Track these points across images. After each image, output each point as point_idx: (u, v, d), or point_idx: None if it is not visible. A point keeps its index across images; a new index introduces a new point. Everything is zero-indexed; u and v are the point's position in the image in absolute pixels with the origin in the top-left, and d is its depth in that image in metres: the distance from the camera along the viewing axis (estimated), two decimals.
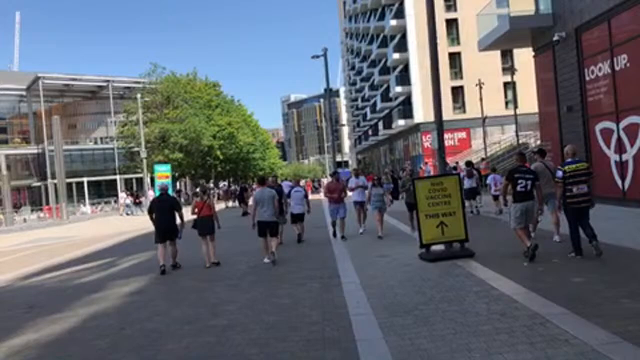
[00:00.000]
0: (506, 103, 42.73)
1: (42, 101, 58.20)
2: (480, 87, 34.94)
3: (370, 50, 58.20)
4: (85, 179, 60.00)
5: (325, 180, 36.80)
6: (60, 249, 16.04)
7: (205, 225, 9.87)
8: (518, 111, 42.21)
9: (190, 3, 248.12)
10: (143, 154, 30.62)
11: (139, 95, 34.50)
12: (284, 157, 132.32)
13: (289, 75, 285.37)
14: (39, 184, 60.94)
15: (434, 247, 8.93)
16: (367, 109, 63.96)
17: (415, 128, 43.60)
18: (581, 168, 7.66)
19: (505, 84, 42.35)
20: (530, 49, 18.76)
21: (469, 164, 16.50)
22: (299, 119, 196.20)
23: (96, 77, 63.13)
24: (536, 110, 39.54)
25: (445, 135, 42.97)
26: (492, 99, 39.70)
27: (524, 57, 40.95)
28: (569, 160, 7.77)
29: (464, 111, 42.79)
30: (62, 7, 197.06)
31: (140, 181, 45.34)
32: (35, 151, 62.72)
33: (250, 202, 14.62)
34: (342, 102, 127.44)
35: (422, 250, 8.90)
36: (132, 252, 13.41)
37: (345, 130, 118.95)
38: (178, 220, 9.95)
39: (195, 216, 10.10)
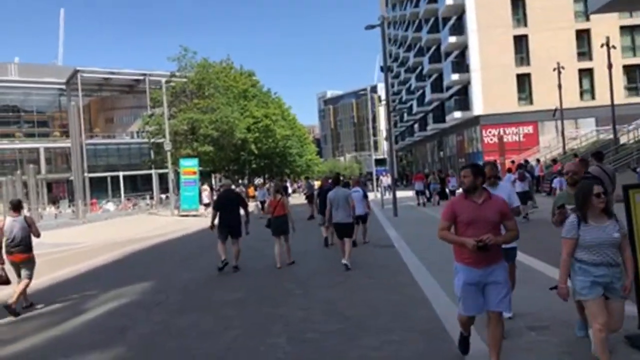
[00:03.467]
0: (581, 93, 37.14)
1: (81, 95, 57.64)
2: (559, 72, 29.63)
3: (418, 37, 53.26)
4: (120, 174, 58.43)
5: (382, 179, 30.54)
6: (47, 266, 12.21)
7: (280, 224, 9.54)
8: (595, 103, 36.73)
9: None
10: (167, 146, 26.94)
11: (163, 80, 30.92)
12: (319, 154, 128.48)
13: (325, 71, 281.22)
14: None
15: None
16: (414, 102, 58.96)
17: (474, 121, 38.49)
18: None
19: (581, 72, 36.79)
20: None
21: (521, 166, 15.78)
22: (335, 116, 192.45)
23: (133, 71, 62.26)
24: (619, 101, 33.99)
25: (509, 130, 37.94)
26: (565, 89, 34.18)
27: (603, 41, 35.50)
28: None
29: (531, 102, 37.36)
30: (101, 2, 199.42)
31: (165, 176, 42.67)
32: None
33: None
34: (383, 98, 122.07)
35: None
36: (124, 279, 9.48)
37: (384, 126, 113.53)
38: (242, 214, 9.63)
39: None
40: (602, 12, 16.42)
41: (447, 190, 23.90)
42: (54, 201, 54.64)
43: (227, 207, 9.48)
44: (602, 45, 24.84)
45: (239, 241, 9.52)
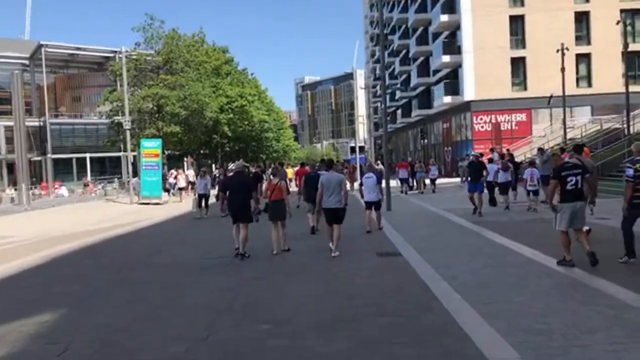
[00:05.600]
0: (577, 80, 35.02)
1: (45, 71, 53.77)
2: (563, 54, 27.29)
3: (404, 18, 50.52)
4: (87, 155, 54.36)
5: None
6: None
7: (277, 209, 9.26)
8: (592, 90, 34.76)
9: None
10: (126, 125, 23.59)
11: (123, 49, 27.42)
12: (296, 140, 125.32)
13: (304, 56, 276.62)
14: (39, 158, 55.27)
15: None
16: (397, 87, 56.40)
17: (464, 107, 36.07)
18: None
19: (578, 57, 34.63)
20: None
21: (503, 156, 16.24)
22: (312, 102, 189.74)
23: (102, 48, 57.85)
24: (618, 89, 32.01)
25: (502, 117, 35.25)
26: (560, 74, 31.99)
27: (603, 24, 33.36)
28: (639, 157, 6.88)
29: (525, 88, 35.17)
30: None
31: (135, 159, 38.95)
32: (37, 124, 56.87)
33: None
34: (360, 85, 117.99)
35: None
36: (22, 305, 6.53)
37: (363, 113, 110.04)
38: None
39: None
40: None
41: (427, 179, 24.35)
42: (14, 183, 50.73)
43: (236, 189, 9.11)
44: (617, 22, 22.51)
45: (247, 227, 8.97)
